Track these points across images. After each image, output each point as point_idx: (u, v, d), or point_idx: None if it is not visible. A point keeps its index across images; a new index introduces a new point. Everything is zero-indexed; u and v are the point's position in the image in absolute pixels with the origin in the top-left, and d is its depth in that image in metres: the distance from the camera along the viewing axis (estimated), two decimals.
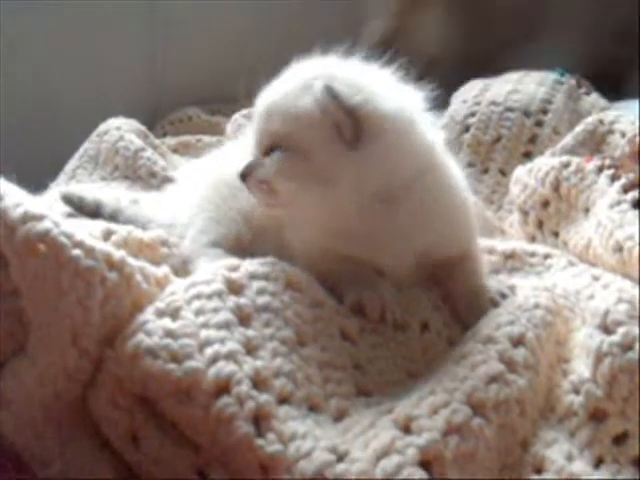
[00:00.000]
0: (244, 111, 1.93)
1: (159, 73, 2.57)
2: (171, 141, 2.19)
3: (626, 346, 0.88)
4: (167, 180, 1.74)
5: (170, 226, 1.19)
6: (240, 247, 1.12)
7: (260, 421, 0.74)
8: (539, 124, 1.72)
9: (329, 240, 1.01)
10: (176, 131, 2.38)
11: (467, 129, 1.73)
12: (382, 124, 0.97)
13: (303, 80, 1.00)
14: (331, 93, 0.96)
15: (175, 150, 2.13)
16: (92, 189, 1.54)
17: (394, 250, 1.01)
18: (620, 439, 0.87)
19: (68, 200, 1.26)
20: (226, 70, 2.46)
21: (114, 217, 1.23)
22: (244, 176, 1.03)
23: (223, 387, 0.75)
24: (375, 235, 1.00)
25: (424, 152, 1.02)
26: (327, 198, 0.98)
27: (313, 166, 0.98)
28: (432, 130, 1.06)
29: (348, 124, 0.95)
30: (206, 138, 2.22)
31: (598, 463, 0.86)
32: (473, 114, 1.74)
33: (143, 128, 1.96)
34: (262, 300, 0.86)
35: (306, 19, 2.62)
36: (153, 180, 1.75)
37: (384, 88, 1.01)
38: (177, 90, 2.56)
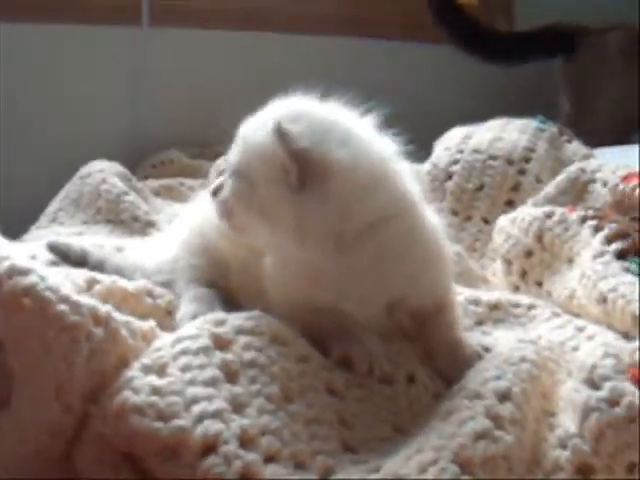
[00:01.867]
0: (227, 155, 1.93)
1: (141, 116, 2.57)
2: (154, 184, 2.18)
3: (613, 402, 0.88)
4: (150, 224, 1.74)
5: (155, 273, 1.18)
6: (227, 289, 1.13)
7: None
8: (522, 172, 1.73)
9: (297, 283, 1.01)
10: (158, 174, 2.36)
11: (450, 177, 1.74)
12: (330, 171, 0.96)
13: (270, 115, 1.02)
14: (280, 132, 0.95)
15: (157, 193, 2.13)
16: (76, 238, 1.53)
17: (360, 296, 1.01)
18: None
19: (54, 248, 1.26)
20: (206, 114, 2.49)
21: (99, 266, 1.22)
22: (214, 193, 1.07)
23: (210, 446, 0.74)
24: (340, 280, 0.99)
25: (390, 200, 1.01)
26: (274, 235, 1.00)
27: (257, 199, 1.00)
28: (406, 179, 1.05)
29: (293, 167, 0.95)
30: (189, 181, 2.22)
31: None
32: (456, 162, 1.75)
33: (126, 171, 1.96)
34: (248, 356, 0.85)
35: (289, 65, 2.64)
36: (136, 224, 1.75)
37: (350, 135, 1.00)
38: (158, 133, 2.56)
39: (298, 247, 0.98)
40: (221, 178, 1.08)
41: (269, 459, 0.76)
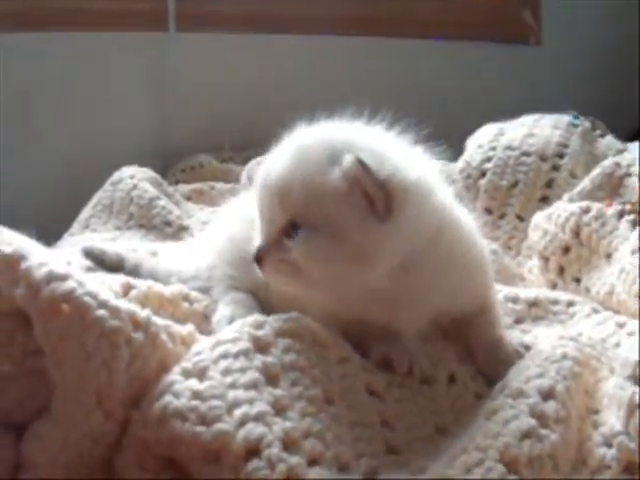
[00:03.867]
0: (258, 158, 1.93)
1: (169, 122, 2.58)
2: (184, 188, 2.18)
3: None
4: (182, 229, 1.74)
5: (191, 279, 1.18)
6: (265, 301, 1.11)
7: None
8: (556, 168, 1.71)
9: (348, 306, 0.99)
10: (188, 179, 2.37)
11: (484, 174, 1.72)
12: (408, 194, 0.95)
13: (322, 151, 0.96)
14: (363, 166, 0.92)
15: (189, 198, 2.13)
16: (110, 243, 1.53)
17: (413, 311, 1.00)
18: None
19: (89, 254, 1.25)
20: (235, 118, 2.49)
21: (135, 271, 1.21)
22: (259, 259, 0.99)
23: (253, 450, 0.74)
24: (395, 299, 0.98)
25: (440, 212, 1.01)
26: (360, 274, 0.95)
27: (347, 244, 0.93)
28: (444, 187, 1.05)
29: (380, 197, 0.93)
30: (219, 185, 2.21)
31: None
32: (489, 159, 1.74)
33: (157, 176, 1.96)
34: (289, 358, 0.85)
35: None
36: (168, 229, 1.75)
37: (401, 155, 0.99)
38: (187, 138, 2.56)
39: (366, 273, 0.95)
40: (256, 242, 1.01)
41: (312, 462, 0.76)
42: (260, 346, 0.85)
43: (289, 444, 0.76)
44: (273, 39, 2.63)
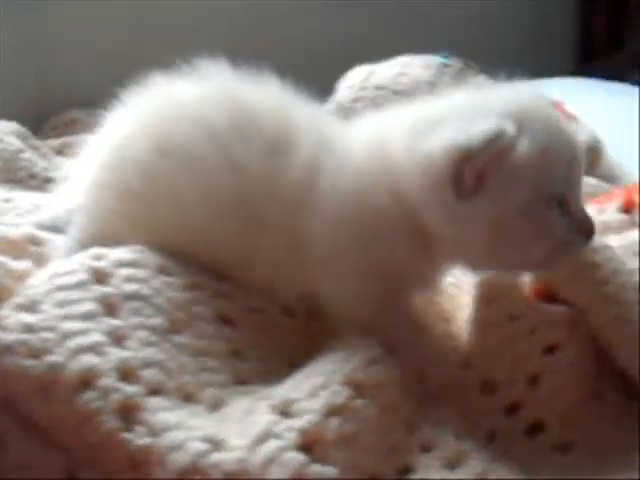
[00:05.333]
0: None
1: (42, 76, 2.49)
2: (54, 142, 2.10)
3: None
4: (47, 181, 1.68)
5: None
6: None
7: (128, 414, 0.69)
8: None
9: None
10: (61, 135, 2.29)
11: (353, 114, 1.70)
12: None
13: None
14: None
15: (59, 152, 2.05)
16: None
17: None
18: (511, 410, 0.85)
19: None
20: (110, 73, 2.42)
21: None
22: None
23: (87, 381, 0.70)
24: None
25: None
26: None
27: None
28: None
29: None
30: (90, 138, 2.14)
31: (491, 437, 0.84)
32: (359, 99, 1.71)
33: (23, 129, 1.88)
34: (130, 288, 0.80)
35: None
36: (33, 181, 1.69)
37: None
38: (60, 94, 2.48)
39: None
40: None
41: (153, 392, 0.72)
42: (99, 277, 0.80)
43: (126, 374, 0.72)
44: None
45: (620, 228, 1.03)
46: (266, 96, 0.94)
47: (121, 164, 0.94)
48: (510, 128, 0.80)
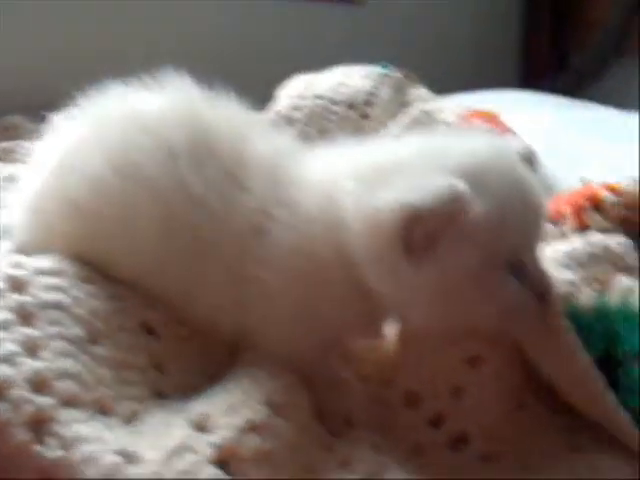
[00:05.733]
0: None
1: None
2: None
3: None
4: None
5: None
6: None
7: (40, 426, 0.68)
8: (364, 116, 1.70)
9: None
10: (1, 139, 2.26)
11: (293, 123, 1.69)
12: None
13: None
14: None
15: None
16: None
17: None
18: (435, 423, 0.85)
19: None
20: (52, 77, 2.39)
21: None
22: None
23: None
24: None
25: None
26: None
27: None
28: None
29: None
30: (26, 144, 2.11)
31: (416, 451, 0.84)
32: (299, 108, 1.71)
33: None
34: (48, 297, 0.79)
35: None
36: None
37: None
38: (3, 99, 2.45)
39: None
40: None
41: (67, 403, 0.71)
42: (16, 285, 0.79)
43: (39, 385, 0.70)
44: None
45: (551, 238, 1.03)
46: (225, 120, 0.91)
47: (68, 174, 0.89)
48: (464, 187, 0.76)
